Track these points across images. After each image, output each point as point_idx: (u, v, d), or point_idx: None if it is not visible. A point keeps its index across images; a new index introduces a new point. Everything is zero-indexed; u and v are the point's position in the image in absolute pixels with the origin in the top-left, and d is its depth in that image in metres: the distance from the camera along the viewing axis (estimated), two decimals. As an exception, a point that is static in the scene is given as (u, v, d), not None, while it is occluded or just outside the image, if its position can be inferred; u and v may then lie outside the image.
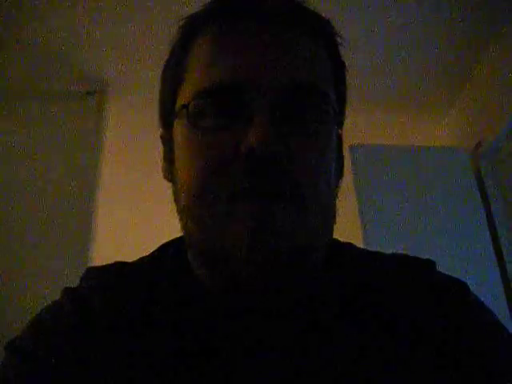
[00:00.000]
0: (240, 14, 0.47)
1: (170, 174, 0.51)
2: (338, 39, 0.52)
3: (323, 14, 0.51)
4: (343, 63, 0.53)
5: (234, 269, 0.42)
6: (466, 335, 0.46)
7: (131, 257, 0.55)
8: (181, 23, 0.51)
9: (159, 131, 0.54)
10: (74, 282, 0.52)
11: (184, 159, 0.46)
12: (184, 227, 0.46)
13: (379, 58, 2.22)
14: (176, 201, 0.48)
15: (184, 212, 0.46)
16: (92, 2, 1.87)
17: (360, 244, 2.00)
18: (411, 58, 2.24)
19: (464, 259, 2.00)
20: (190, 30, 0.50)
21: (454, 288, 0.51)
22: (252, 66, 0.44)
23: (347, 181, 2.18)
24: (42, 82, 2.25)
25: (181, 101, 0.47)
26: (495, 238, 2.11)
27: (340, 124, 0.52)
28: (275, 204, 0.41)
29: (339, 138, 0.52)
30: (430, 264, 0.53)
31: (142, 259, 0.54)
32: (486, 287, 1.92)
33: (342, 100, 0.52)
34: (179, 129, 0.47)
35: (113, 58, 2.16)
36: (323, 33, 0.50)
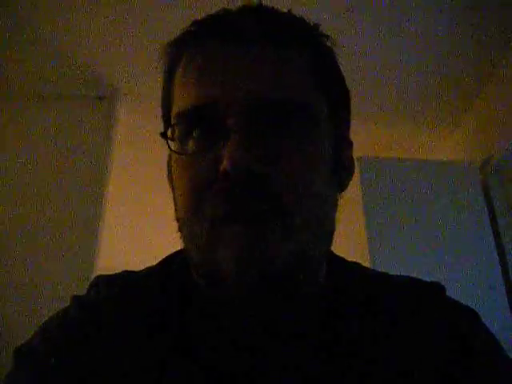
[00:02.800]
0: (211, 38, 0.47)
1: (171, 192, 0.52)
2: (327, 42, 0.50)
3: (327, 26, 0.50)
4: (333, 67, 0.51)
5: (226, 291, 0.43)
6: (472, 363, 0.46)
7: (137, 266, 0.55)
8: (163, 50, 0.51)
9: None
10: (79, 291, 0.52)
11: (175, 181, 0.48)
12: (183, 244, 0.48)
13: (390, 71, 2.22)
14: (175, 219, 0.49)
15: (180, 231, 0.47)
16: (105, 8, 1.89)
17: (366, 256, 2.00)
18: (422, 72, 2.24)
19: (470, 274, 1.98)
20: (171, 58, 0.50)
21: (464, 316, 0.51)
22: (222, 86, 0.43)
23: (354, 192, 2.18)
24: (52, 85, 2.27)
25: (170, 124, 0.48)
26: (502, 253, 2.10)
27: (338, 133, 0.50)
28: (257, 226, 0.40)
29: (337, 148, 0.50)
30: (439, 289, 0.53)
31: (149, 269, 0.54)
32: (491, 302, 1.91)
33: (337, 106, 0.50)
34: (171, 151, 0.48)
35: (124, 63, 2.18)
36: (302, 39, 0.48)
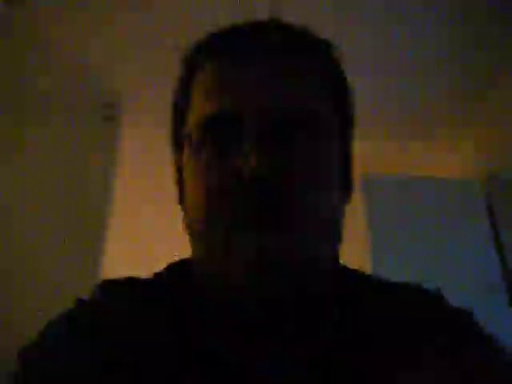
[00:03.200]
0: (233, 48, 0.48)
1: (180, 198, 0.53)
2: (337, 55, 0.52)
3: (335, 42, 0.52)
4: (345, 82, 0.53)
5: (237, 297, 0.43)
6: (472, 367, 0.46)
7: (141, 273, 0.56)
8: (184, 55, 0.53)
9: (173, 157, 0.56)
10: (83, 294, 0.53)
11: (189, 187, 0.48)
12: (193, 251, 0.48)
13: (395, 87, 2.23)
14: (185, 225, 0.49)
15: (191, 237, 0.48)
16: (114, 28, 1.92)
17: (368, 267, 1.99)
18: (427, 89, 2.25)
19: (475, 290, 1.98)
20: (192, 63, 0.52)
21: (463, 318, 0.51)
22: (241, 97, 0.45)
23: (358, 208, 2.18)
24: (59, 98, 2.29)
25: (185, 132, 0.49)
26: (506, 270, 2.09)
27: (345, 138, 0.52)
28: (270, 234, 0.41)
29: (344, 153, 0.52)
30: (439, 295, 0.54)
31: (154, 275, 0.54)
32: (496, 317, 1.90)
33: (347, 119, 0.52)
34: (186, 157, 0.49)
35: (130, 76, 2.21)
36: (316, 53, 0.51)
